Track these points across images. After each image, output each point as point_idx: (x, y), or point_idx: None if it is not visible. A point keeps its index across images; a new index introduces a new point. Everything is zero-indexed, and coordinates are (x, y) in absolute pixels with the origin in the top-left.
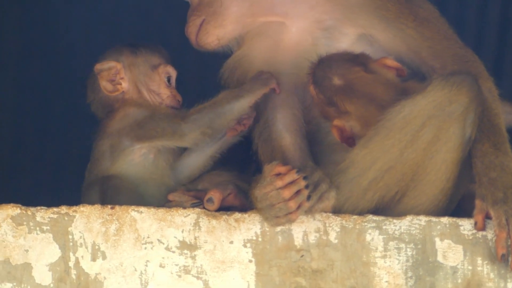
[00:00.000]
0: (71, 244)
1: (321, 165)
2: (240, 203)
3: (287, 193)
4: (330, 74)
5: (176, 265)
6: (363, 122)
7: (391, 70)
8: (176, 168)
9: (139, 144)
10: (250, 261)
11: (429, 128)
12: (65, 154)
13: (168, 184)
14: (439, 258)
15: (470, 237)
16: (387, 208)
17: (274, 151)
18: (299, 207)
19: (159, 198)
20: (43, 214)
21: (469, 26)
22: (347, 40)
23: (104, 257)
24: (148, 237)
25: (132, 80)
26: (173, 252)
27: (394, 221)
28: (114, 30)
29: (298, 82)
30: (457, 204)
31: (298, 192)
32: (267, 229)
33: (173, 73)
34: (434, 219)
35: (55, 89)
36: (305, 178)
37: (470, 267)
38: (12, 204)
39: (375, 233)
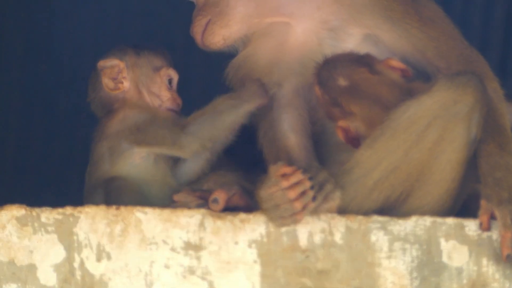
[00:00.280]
0: (76, 245)
1: (326, 165)
2: (245, 203)
3: (292, 194)
4: (335, 75)
5: (181, 265)
6: (368, 122)
7: (396, 71)
8: (176, 171)
9: (138, 148)
10: (255, 261)
11: (434, 128)
12: (70, 154)
13: (171, 185)
14: (444, 258)
15: (475, 238)
16: (392, 208)
17: (279, 151)
18: (304, 207)
19: (162, 199)
20: (48, 215)
21: (474, 26)
22: (352, 40)
23: (109, 258)
24: (153, 238)
25: (133, 80)
26: (178, 252)
27: (399, 221)
28: (119, 31)
29: (303, 83)
30: (462, 205)
31: (303, 193)
32: (272, 229)
33: (174, 76)
34: (439, 219)
35: (60, 90)
36: (310, 178)
37: (475, 268)
38: (17, 205)
39: (380, 233)
